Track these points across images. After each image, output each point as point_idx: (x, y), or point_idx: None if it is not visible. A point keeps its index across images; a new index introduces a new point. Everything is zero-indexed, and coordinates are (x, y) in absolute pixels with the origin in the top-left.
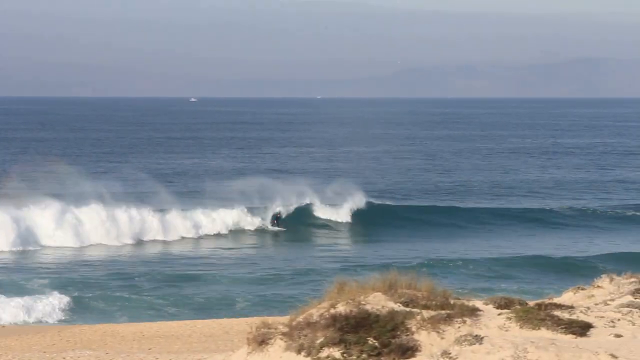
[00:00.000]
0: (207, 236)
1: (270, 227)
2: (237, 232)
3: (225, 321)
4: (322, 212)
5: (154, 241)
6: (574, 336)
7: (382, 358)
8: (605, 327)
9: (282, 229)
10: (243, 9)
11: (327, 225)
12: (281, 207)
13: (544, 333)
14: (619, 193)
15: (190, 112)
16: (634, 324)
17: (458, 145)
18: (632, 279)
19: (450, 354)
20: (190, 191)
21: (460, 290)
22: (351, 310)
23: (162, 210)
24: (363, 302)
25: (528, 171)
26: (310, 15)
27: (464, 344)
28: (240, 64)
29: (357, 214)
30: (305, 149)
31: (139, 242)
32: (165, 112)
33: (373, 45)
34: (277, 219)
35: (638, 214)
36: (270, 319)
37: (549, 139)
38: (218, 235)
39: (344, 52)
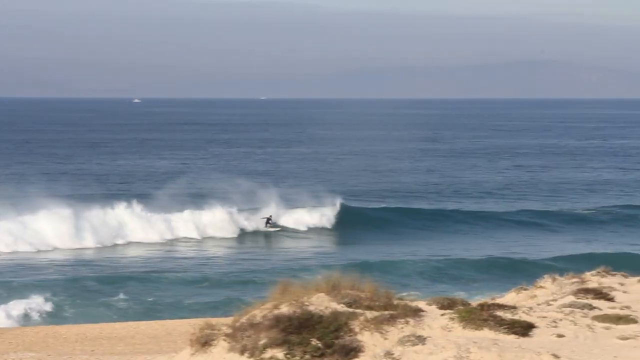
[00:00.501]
0: (184, 239)
1: (263, 229)
2: (212, 237)
3: (168, 322)
4: (290, 215)
5: (116, 245)
6: (517, 336)
7: (325, 359)
8: (547, 327)
9: (275, 229)
10: (190, 5)
11: (295, 228)
12: (274, 210)
13: (487, 333)
14: (571, 195)
15: (135, 113)
16: (576, 324)
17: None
18: (574, 280)
19: (393, 354)
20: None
21: (414, 291)
22: (294, 311)
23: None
24: (306, 303)
25: (489, 172)
26: (258, 15)
27: (407, 344)
28: (186, 65)
29: (329, 217)
30: (248, 149)
31: (103, 244)
32: (110, 113)
33: (318, 46)
34: (269, 220)
35: (590, 214)
36: (213, 320)
37: (509, 139)
38: (191, 239)
39: (288, 52)
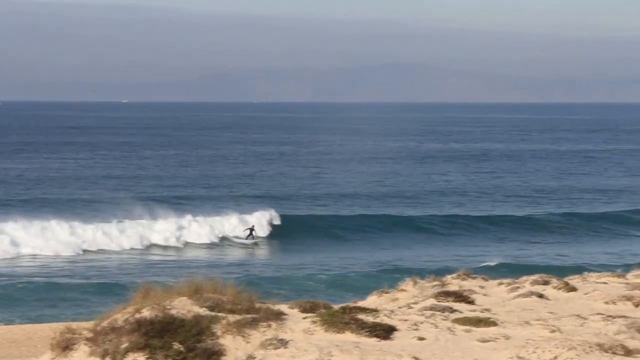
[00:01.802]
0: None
1: (245, 241)
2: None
3: (29, 327)
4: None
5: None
6: (378, 339)
7: None
8: (408, 330)
9: (256, 240)
10: (46, 12)
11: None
12: (255, 223)
13: (349, 336)
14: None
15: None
16: (436, 327)
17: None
18: (435, 283)
19: (255, 357)
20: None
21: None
22: (156, 315)
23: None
24: (168, 307)
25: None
26: (119, 19)
27: (269, 347)
28: (50, 67)
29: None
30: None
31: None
32: None
33: (180, 50)
34: (251, 232)
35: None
36: (74, 324)
37: (419, 143)
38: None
39: (151, 56)
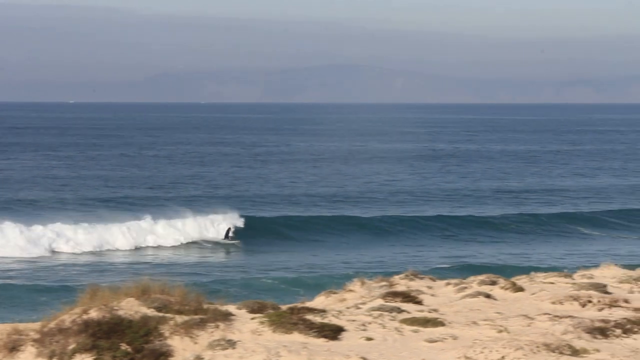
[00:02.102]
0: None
1: (222, 241)
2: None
3: None
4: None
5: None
6: (326, 340)
7: None
8: (356, 331)
9: (234, 242)
10: None
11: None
12: (232, 223)
13: (297, 337)
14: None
15: None
16: (384, 327)
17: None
18: (383, 283)
19: (203, 358)
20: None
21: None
22: (104, 316)
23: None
24: (116, 308)
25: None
26: (64, 19)
27: (217, 348)
28: None
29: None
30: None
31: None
32: None
33: (126, 50)
34: (228, 233)
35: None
36: (21, 325)
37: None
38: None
39: (98, 56)
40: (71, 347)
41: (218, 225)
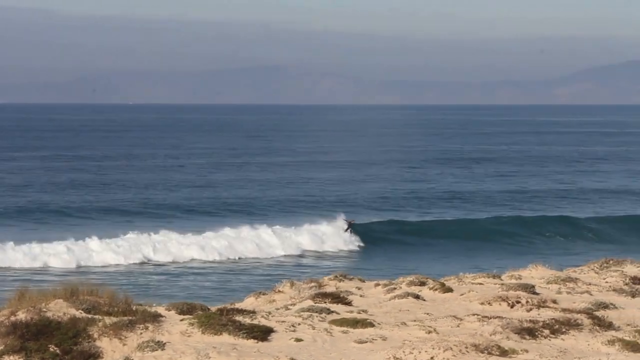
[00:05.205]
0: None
1: (343, 234)
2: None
3: None
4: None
5: None
6: (256, 341)
7: None
8: (286, 332)
9: (352, 235)
10: None
11: None
12: (353, 217)
13: (226, 338)
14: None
15: None
16: (314, 328)
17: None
18: (312, 284)
19: None
20: None
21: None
22: (32, 318)
23: None
24: (44, 310)
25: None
26: None
27: (146, 350)
28: None
29: None
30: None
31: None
32: None
33: (52, 51)
34: (350, 226)
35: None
36: None
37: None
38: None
39: (22, 57)
40: None
41: (353, 219)
